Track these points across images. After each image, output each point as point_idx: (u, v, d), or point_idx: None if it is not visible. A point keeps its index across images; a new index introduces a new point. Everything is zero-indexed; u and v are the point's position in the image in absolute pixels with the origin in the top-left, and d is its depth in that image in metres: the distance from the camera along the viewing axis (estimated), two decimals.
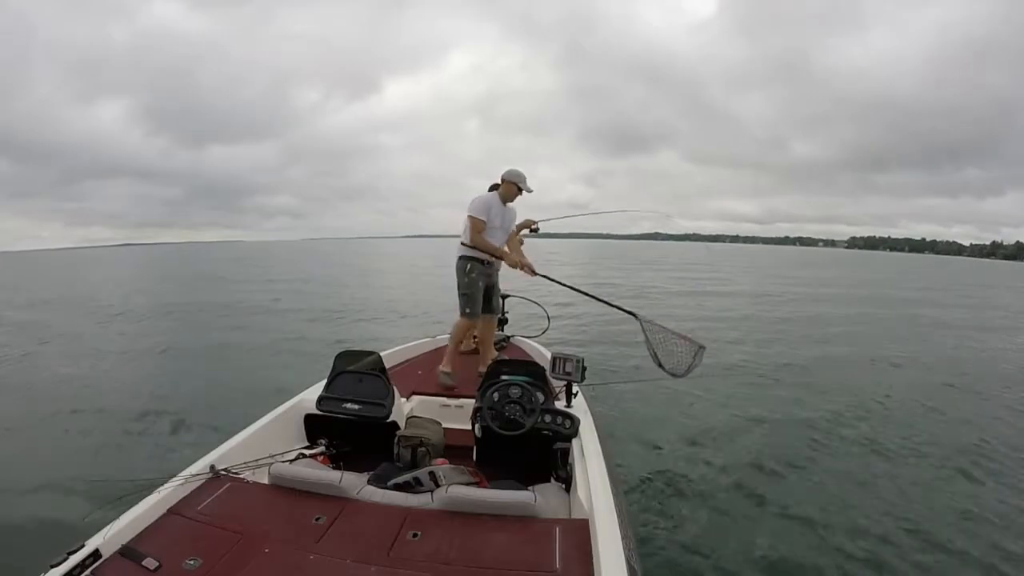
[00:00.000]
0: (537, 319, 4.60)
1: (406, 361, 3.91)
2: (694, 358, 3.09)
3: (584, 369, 2.64)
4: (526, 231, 4.42)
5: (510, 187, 3.56)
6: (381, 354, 3.02)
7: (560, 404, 2.48)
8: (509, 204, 3.65)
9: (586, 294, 3.83)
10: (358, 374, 2.57)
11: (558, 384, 2.63)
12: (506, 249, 3.70)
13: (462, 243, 3.60)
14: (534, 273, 3.67)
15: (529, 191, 3.62)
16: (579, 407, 2.53)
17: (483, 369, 3.22)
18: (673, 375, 3.14)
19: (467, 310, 3.58)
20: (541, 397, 2.35)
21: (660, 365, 3.15)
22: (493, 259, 3.64)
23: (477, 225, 3.50)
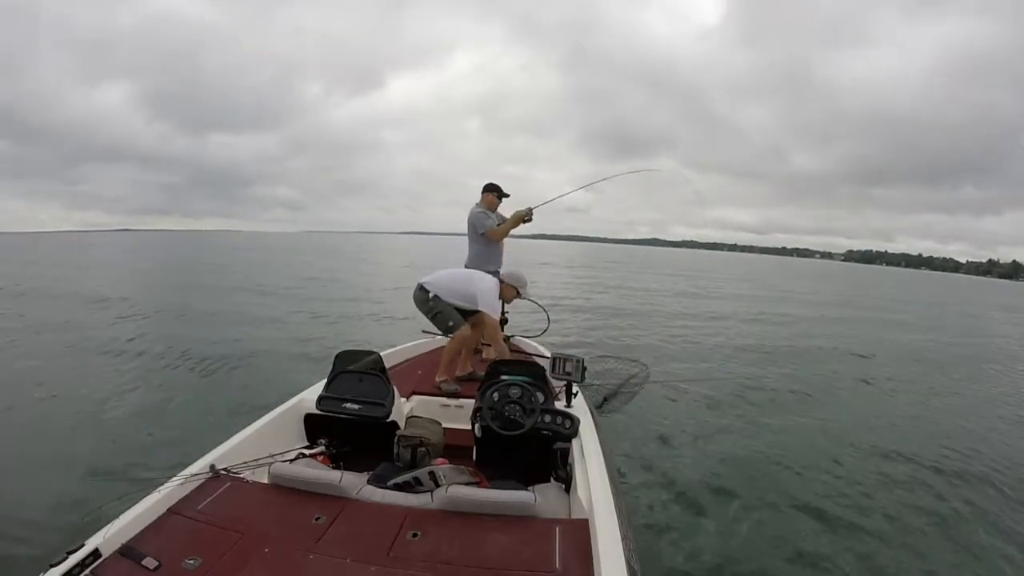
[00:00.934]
0: (537, 319, 4.60)
1: (406, 361, 3.91)
2: (634, 382, 2.96)
3: (584, 369, 2.64)
4: (519, 225, 4.29)
5: (509, 290, 3.52)
6: (381, 354, 3.02)
7: (560, 404, 2.48)
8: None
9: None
10: (358, 374, 2.57)
11: (558, 384, 2.63)
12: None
13: (427, 283, 3.49)
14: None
15: (527, 298, 3.62)
16: (579, 407, 2.53)
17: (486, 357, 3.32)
18: (602, 408, 2.99)
19: (450, 323, 3.46)
20: (541, 397, 2.35)
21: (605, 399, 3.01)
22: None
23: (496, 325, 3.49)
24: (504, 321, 4.47)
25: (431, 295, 3.43)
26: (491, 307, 3.40)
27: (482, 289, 3.43)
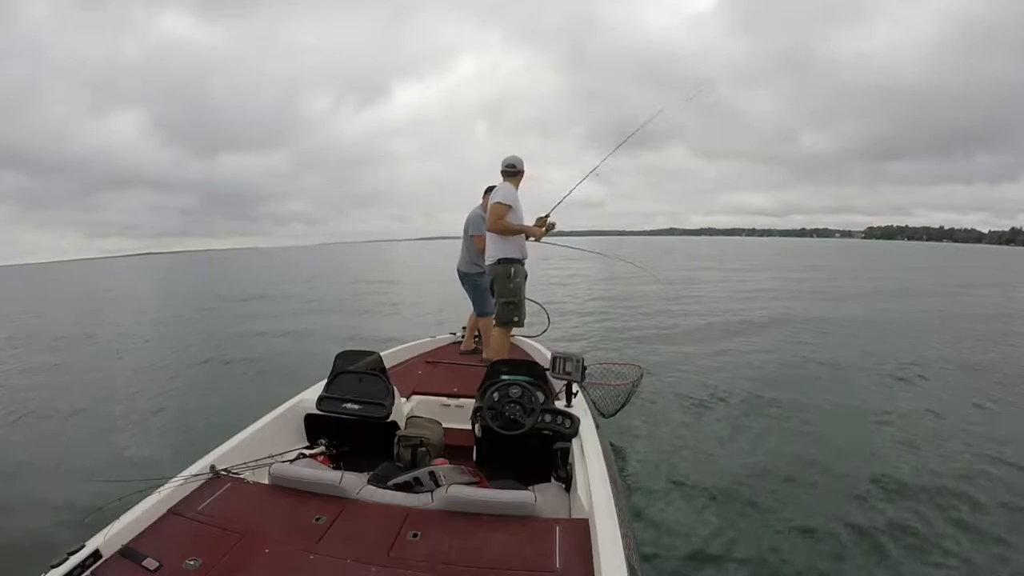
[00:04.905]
0: (537, 319, 4.60)
1: (406, 361, 3.92)
2: (632, 387, 2.91)
3: (584, 369, 2.63)
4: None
5: (520, 175, 3.46)
6: (381, 354, 3.02)
7: (560, 404, 2.48)
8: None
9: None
10: (358, 374, 2.57)
11: (558, 384, 2.63)
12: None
13: (487, 246, 3.43)
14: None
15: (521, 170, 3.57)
16: (579, 407, 2.53)
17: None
18: (603, 415, 2.96)
19: (515, 318, 3.37)
20: (541, 397, 2.34)
21: (597, 409, 2.95)
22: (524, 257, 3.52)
23: (503, 211, 3.32)
24: None
25: (512, 271, 3.35)
26: (506, 195, 3.36)
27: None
